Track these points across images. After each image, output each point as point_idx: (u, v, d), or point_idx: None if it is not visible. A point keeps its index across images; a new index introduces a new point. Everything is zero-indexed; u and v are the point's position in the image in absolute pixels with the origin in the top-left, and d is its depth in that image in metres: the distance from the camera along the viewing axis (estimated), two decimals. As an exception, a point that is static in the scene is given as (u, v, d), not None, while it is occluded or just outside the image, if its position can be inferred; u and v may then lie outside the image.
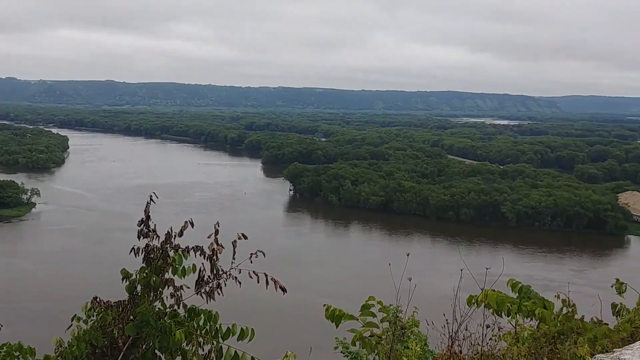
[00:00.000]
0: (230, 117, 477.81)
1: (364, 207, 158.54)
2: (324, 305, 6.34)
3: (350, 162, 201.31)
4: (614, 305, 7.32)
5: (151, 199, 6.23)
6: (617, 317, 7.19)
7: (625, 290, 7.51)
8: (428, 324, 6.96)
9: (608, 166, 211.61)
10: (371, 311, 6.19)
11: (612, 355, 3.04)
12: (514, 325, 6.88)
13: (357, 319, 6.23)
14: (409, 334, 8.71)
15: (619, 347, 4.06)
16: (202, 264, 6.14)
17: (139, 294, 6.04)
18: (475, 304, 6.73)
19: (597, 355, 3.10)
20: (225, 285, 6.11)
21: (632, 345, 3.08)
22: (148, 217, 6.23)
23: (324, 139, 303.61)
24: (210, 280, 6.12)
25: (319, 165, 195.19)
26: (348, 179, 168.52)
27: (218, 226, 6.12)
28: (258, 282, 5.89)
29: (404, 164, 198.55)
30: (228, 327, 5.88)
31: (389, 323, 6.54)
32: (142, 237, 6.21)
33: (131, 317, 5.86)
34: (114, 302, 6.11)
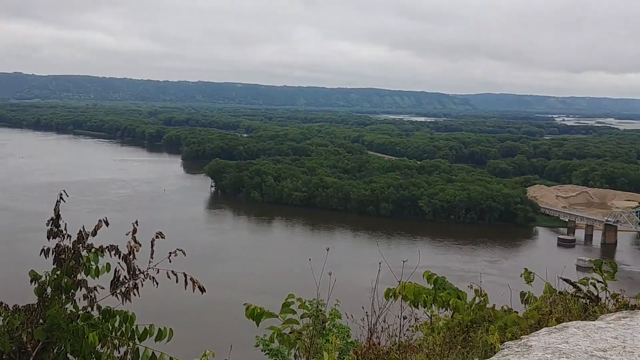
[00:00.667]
0: (147, 112, 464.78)
1: (286, 203, 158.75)
2: (244, 304, 6.30)
3: (272, 158, 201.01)
4: (522, 294, 7.70)
5: (61, 197, 5.95)
6: (525, 304, 7.57)
7: (533, 279, 7.91)
8: (348, 317, 7.07)
9: (517, 161, 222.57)
10: (291, 308, 6.21)
11: (519, 342, 3.20)
12: (430, 315, 7.11)
13: (278, 317, 6.23)
14: (331, 327, 8.83)
15: (527, 334, 4.29)
16: (118, 263, 5.93)
17: (49, 296, 5.76)
18: (393, 296, 6.90)
19: (506, 343, 3.27)
20: (142, 285, 5.94)
21: (538, 331, 3.25)
22: (58, 216, 5.94)
23: (246, 135, 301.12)
24: (127, 281, 5.93)
25: (241, 161, 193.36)
26: (270, 175, 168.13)
27: (137, 224, 5.93)
28: (177, 281, 5.76)
29: (325, 159, 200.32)
30: (145, 328, 5.72)
31: (310, 318, 6.59)
32: (52, 237, 5.92)
33: (41, 320, 5.58)
34: (22, 306, 5.81)
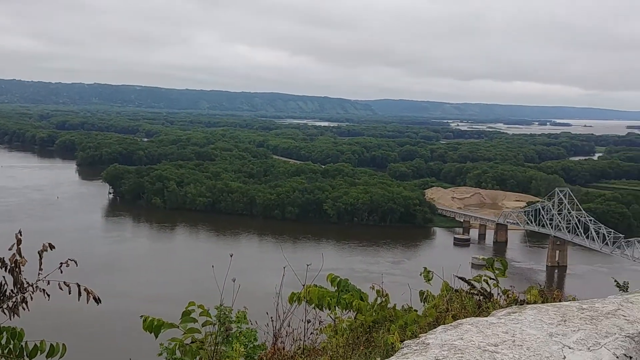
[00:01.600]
0: (39, 115, 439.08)
1: (190, 208, 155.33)
2: (141, 316, 6.05)
3: (175, 162, 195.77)
4: (421, 293, 7.95)
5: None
6: (424, 303, 7.82)
7: (432, 278, 8.19)
8: (252, 323, 6.98)
9: (416, 164, 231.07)
10: (192, 317, 6.05)
11: (417, 341, 3.30)
12: (333, 318, 7.19)
13: (178, 327, 6.04)
14: (237, 334, 8.69)
15: (425, 332, 4.44)
16: (4, 277, 5.53)
17: None
18: (297, 300, 6.91)
19: (405, 342, 3.36)
20: (31, 299, 5.56)
21: (435, 329, 3.36)
22: None
23: (146, 139, 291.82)
24: (14, 295, 5.53)
25: (142, 167, 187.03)
26: (173, 180, 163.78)
27: (20, 235, 5.53)
28: (69, 293, 5.44)
29: (230, 164, 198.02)
30: (36, 344, 5.37)
31: (213, 325, 6.45)
32: None
33: None
34: None
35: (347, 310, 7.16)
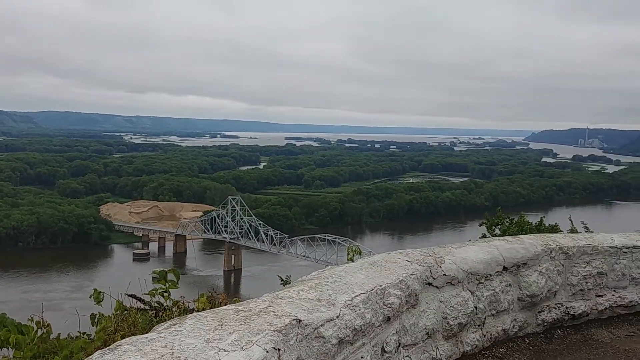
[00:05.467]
0: None
1: None
2: None
3: None
4: (92, 316, 7.46)
5: None
6: (96, 326, 7.36)
7: (102, 299, 7.75)
8: None
9: (89, 180, 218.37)
10: None
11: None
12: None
13: None
14: None
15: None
16: None
17: None
18: None
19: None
20: None
21: (92, 356, 3.16)
22: None
23: None
24: None
25: None
26: None
27: None
28: None
29: None
30: None
31: None
32: None
33: None
34: None
35: (5, 348, 6.30)
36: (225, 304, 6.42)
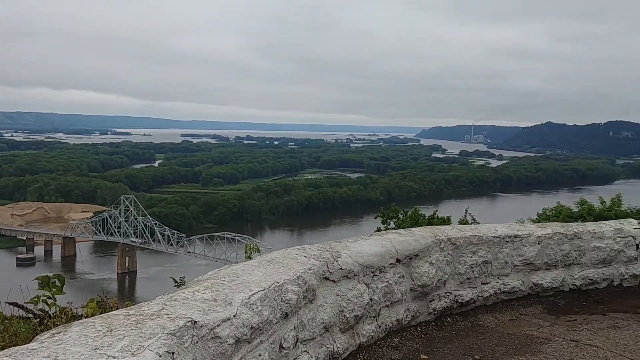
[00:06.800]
0: None
1: None
2: None
3: None
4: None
5: None
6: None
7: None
8: None
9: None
10: None
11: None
12: None
13: None
14: None
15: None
16: None
17: None
18: None
19: None
20: None
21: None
22: None
23: None
24: None
25: None
26: None
27: None
28: None
29: None
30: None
31: None
32: None
33: None
34: None
35: None
36: (117, 309, 6.15)
